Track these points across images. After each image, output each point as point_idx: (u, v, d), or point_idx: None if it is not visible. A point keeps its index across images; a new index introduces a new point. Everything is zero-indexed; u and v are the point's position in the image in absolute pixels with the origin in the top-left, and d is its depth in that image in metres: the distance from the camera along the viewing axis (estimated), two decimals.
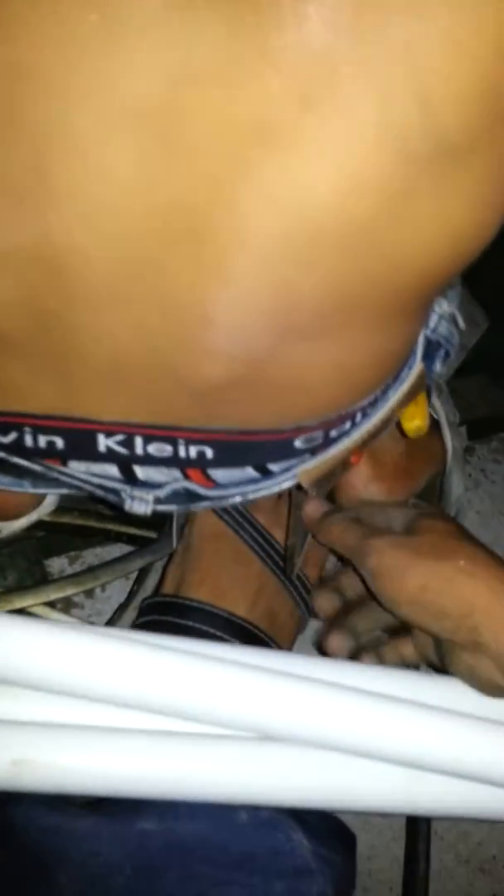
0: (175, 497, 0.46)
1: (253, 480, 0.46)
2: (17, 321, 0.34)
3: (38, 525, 0.67)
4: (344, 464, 0.50)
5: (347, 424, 0.45)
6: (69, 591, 0.66)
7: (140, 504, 0.46)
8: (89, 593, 0.72)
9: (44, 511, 0.64)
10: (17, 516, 0.63)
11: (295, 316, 0.34)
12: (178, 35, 0.26)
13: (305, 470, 0.46)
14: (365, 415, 0.45)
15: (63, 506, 0.66)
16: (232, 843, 0.35)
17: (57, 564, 0.74)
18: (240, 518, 0.59)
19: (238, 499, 0.47)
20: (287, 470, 0.46)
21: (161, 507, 0.46)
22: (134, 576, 0.69)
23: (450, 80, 0.26)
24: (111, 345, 0.35)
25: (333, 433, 0.44)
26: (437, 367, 0.53)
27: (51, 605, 0.65)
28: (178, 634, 0.44)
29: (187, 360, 0.35)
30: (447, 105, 0.27)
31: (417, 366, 0.47)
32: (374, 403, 0.45)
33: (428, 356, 0.49)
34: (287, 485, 0.46)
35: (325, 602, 0.54)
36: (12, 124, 0.28)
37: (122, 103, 0.27)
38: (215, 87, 0.27)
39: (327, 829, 0.41)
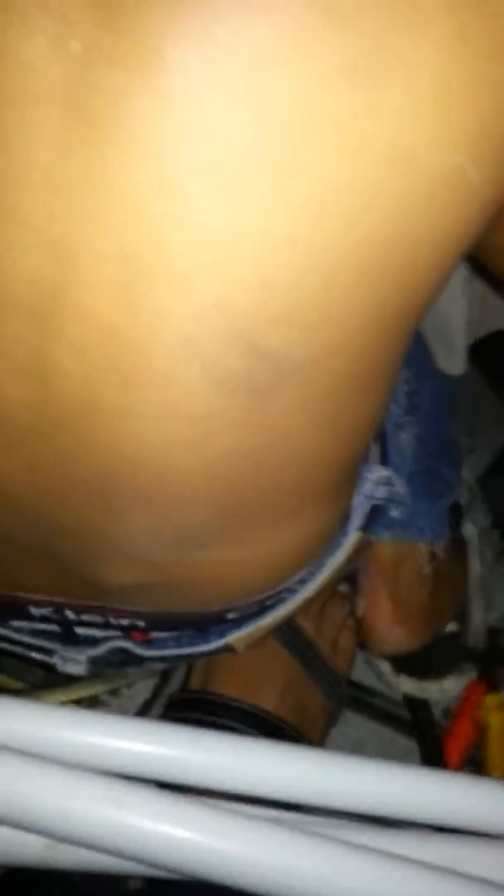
0: (112, 655, 0.48)
1: (191, 639, 0.47)
2: None
3: None
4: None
5: (284, 595, 0.45)
6: (97, 689, 0.65)
7: (73, 665, 0.47)
8: (115, 691, 0.71)
9: None
10: None
11: (186, 532, 0.35)
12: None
13: (239, 637, 0.47)
14: (303, 581, 0.46)
15: None
16: None
17: None
18: None
19: (172, 654, 0.48)
20: (225, 633, 0.47)
21: (95, 669, 0.48)
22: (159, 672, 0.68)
23: None
24: (27, 552, 0.38)
25: (269, 603, 0.45)
26: (388, 522, 0.54)
27: (76, 702, 0.64)
28: (205, 729, 0.44)
29: (89, 570, 0.38)
30: None
31: (354, 534, 0.48)
32: (311, 572, 0.46)
33: (373, 520, 0.49)
34: (224, 644, 0.47)
35: None
36: None
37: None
38: None
39: None
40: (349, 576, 0.60)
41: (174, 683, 0.64)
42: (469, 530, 0.66)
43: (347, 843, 0.36)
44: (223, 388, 0.28)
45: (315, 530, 0.41)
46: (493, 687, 0.64)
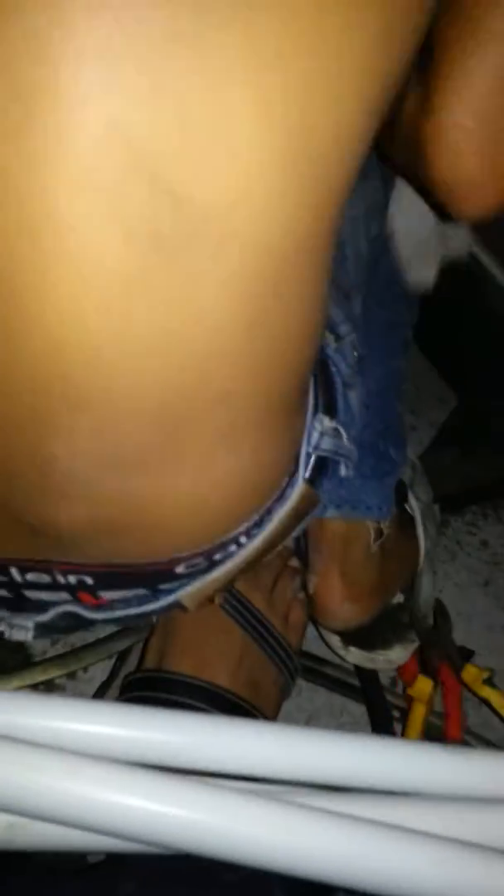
0: (61, 620, 0.47)
1: (140, 599, 0.47)
2: None
3: None
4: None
5: (232, 547, 0.46)
6: (53, 673, 0.66)
7: (20, 632, 0.47)
8: (71, 674, 0.71)
9: None
10: None
11: (122, 450, 0.35)
12: None
13: (189, 594, 0.47)
14: (250, 536, 0.46)
15: None
16: None
17: (39, 645, 0.73)
18: None
19: (122, 615, 0.48)
20: (176, 589, 0.47)
21: (44, 635, 0.48)
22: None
23: None
24: None
25: (218, 556, 0.45)
26: (341, 474, 0.53)
27: (33, 687, 0.64)
28: (161, 708, 0.44)
29: (35, 509, 0.37)
30: None
31: (300, 485, 0.48)
32: (259, 524, 0.46)
33: (321, 473, 0.49)
34: (174, 600, 0.47)
35: None
36: None
37: None
38: None
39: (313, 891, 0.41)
40: (299, 553, 0.62)
41: (130, 665, 0.65)
42: (413, 506, 0.68)
43: (309, 808, 0.37)
44: (131, 238, 0.28)
45: (258, 471, 0.40)
46: (425, 670, 0.66)
